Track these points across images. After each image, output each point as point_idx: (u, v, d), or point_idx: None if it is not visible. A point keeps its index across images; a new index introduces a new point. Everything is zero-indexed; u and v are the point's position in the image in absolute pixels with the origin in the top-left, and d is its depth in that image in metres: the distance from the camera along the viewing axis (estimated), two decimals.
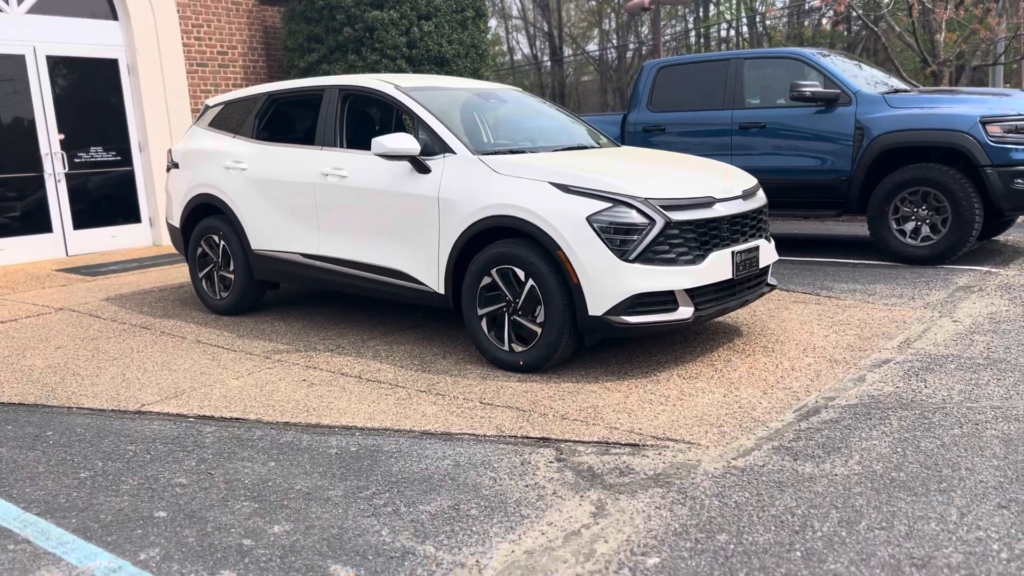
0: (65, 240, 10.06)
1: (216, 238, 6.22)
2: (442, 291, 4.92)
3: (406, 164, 5.02)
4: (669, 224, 4.30)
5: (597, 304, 4.28)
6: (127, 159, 10.61)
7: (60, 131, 9.91)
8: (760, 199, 5.03)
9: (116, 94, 10.50)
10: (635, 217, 4.27)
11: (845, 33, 45.94)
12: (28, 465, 3.61)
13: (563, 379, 4.45)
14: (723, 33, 50.98)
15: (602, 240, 4.25)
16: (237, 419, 4.11)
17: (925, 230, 7.27)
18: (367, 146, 5.46)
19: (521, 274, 4.50)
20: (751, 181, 5.10)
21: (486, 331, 4.72)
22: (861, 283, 6.56)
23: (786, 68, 8.22)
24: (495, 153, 4.94)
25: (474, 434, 3.73)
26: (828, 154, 7.72)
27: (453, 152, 4.90)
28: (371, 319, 6.05)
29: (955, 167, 7.10)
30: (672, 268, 4.30)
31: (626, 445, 3.50)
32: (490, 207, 4.59)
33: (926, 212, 7.22)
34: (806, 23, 49.45)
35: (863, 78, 8.03)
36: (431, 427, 3.84)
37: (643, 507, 2.91)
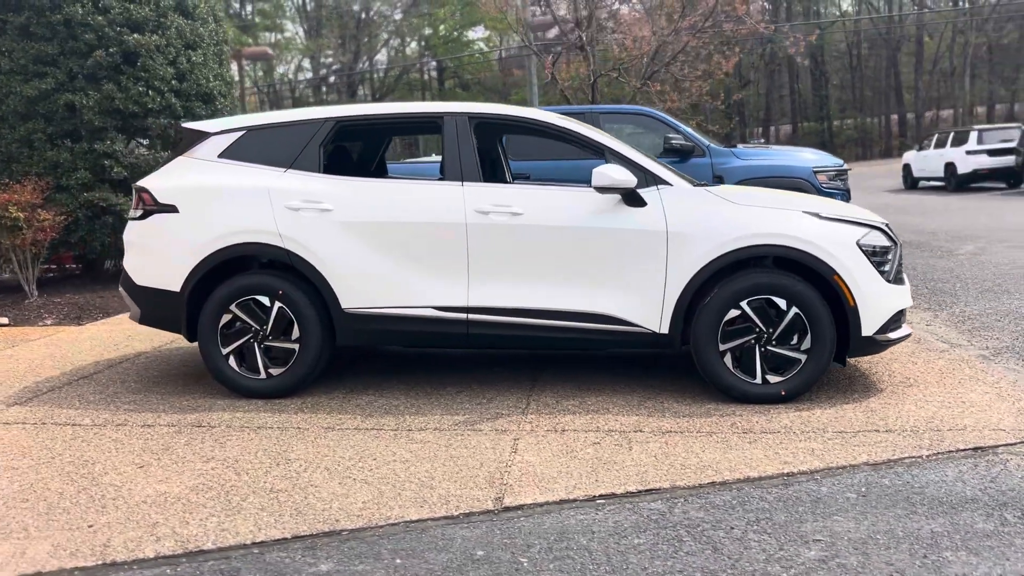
0: None
1: (265, 301, 4.78)
2: (665, 331, 4.63)
3: (613, 197, 4.64)
4: (901, 247, 4.76)
5: (870, 325, 4.53)
6: None
7: None
8: None
9: None
10: (887, 241, 4.65)
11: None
12: None
13: (815, 405, 4.53)
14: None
15: (870, 263, 4.53)
16: (650, 491, 3.48)
17: None
18: (517, 179, 4.88)
19: (782, 303, 4.51)
20: None
21: (730, 367, 4.58)
22: None
23: (638, 123, 9.08)
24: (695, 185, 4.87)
25: (915, 456, 3.74)
26: None
27: (668, 184, 4.69)
28: (463, 376, 5.23)
29: None
30: (902, 287, 4.76)
31: None
32: (746, 237, 4.52)
33: None
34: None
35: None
36: (858, 460, 3.73)
37: None
